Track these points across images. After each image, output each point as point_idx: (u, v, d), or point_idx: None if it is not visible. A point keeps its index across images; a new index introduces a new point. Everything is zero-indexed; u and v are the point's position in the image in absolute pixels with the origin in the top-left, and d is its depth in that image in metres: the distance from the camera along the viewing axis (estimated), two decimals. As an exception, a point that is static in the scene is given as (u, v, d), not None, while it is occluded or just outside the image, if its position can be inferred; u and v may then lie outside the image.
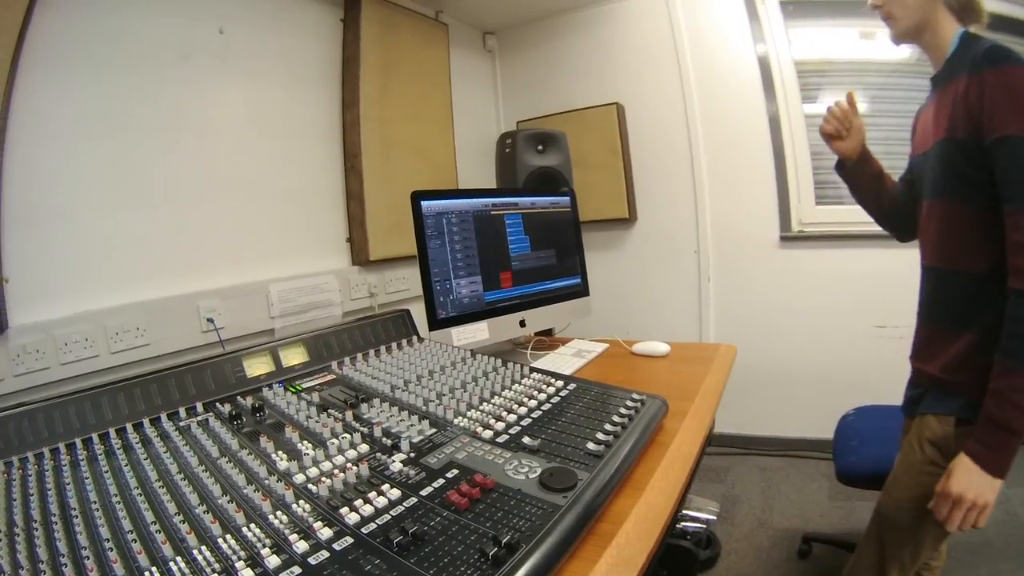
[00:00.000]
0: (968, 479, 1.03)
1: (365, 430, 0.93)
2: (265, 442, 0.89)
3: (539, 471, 0.79)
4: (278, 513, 0.69)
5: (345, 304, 2.19)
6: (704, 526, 2.10)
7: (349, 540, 0.64)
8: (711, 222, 3.00)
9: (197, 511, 0.70)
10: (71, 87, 1.47)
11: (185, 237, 1.72)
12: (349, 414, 1.00)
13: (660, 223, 3.13)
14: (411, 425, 0.95)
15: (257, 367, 1.22)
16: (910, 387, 1.33)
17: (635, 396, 1.07)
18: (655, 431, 1.01)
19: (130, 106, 1.59)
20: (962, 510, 1.04)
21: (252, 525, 0.67)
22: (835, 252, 2.76)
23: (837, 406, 2.09)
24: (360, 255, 2.29)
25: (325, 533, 0.65)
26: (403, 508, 0.71)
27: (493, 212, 1.68)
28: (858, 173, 1.43)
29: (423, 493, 0.74)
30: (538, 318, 1.76)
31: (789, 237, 2.84)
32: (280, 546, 0.63)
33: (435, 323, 1.49)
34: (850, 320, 2.72)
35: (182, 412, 1.03)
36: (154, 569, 0.60)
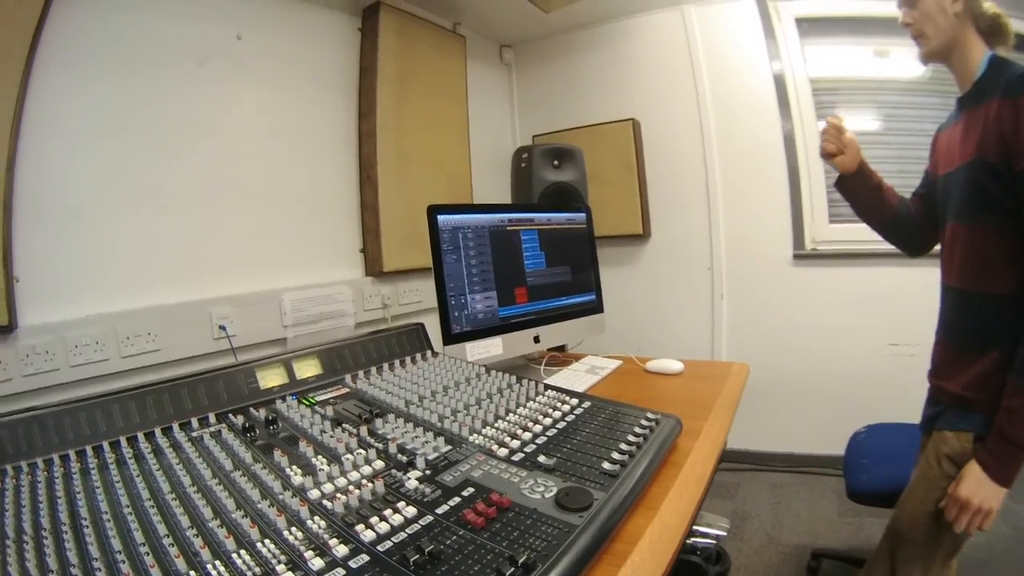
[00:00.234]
0: (976, 485, 1.09)
1: (380, 446, 0.93)
2: (279, 456, 0.89)
3: (555, 490, 0.79)
4: (293, 529, 0.69)
5: (358, 315, 2.19)
6: (714, 542, 2.10)
7: (365, 558, 0.63)
8: (725, 239, 2.98)
9: (211, 525, 0.70)
10: (87, 85, 1.47)
11: (198, 242, 1.72)
12: (364, 429, 1.00)
13: (674, 240, 3.11)
14: (426, 442, 0.94)
15: (271, 379, 1.22)
16: (929, 405, 1.33)
17: (649, 415, 1.06)
18: (669, 450, 1.00)
19: (146, 108, 1.59)
20: (969, 514, 1.10)
21: (267, 540, 0.66)
22: (848, 270, 2.74)
23: (849, 423, 2.07)
24: (374, 266, 2.29)
25: (341, 550, 0.65)
26: (419, 526, 0.70)
27: (509, 227, 1.68)
28: (859, 185, 1.44)
29: (439, 511, 0.74)
30: (552, 334, 1.75)
31: (802, 255, 2.82)
32: (296, 563, 0.62)
33: (449, 338, 1.48)
34: (863, 338, 2.70)
35: (194, 422, 1.03)
36: (168, 584, 0.59)
